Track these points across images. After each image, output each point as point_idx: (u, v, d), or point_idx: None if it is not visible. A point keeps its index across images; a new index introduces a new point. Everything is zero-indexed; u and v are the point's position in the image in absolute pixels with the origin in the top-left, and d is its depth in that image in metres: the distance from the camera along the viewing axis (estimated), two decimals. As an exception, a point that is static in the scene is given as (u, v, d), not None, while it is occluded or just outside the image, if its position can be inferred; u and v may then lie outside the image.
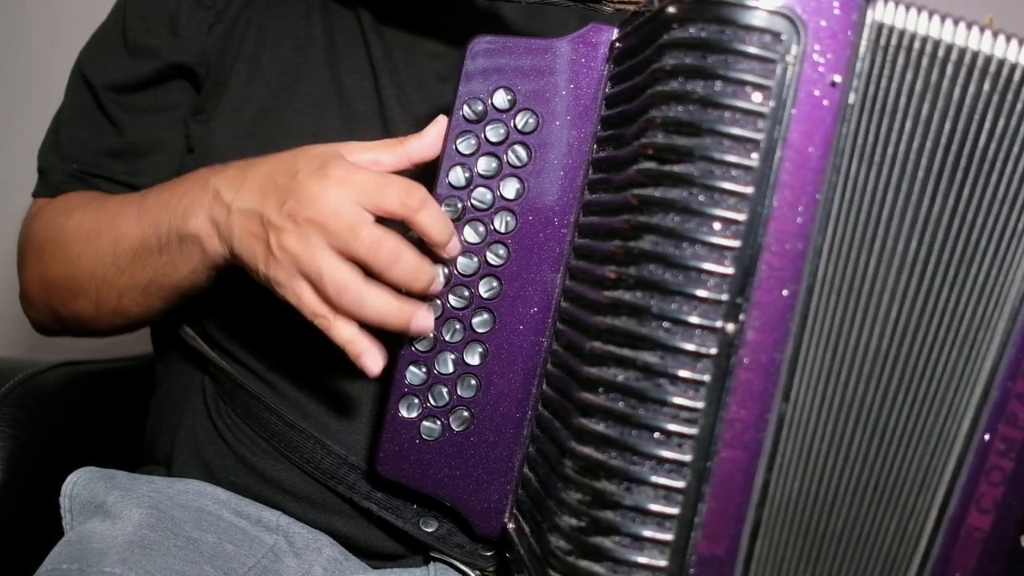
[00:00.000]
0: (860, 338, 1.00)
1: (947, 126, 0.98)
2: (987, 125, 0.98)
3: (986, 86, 0.98)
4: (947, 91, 0.97)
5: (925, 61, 0.97)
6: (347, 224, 1.08)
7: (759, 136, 0.92)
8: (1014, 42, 0.98)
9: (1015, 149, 0.99)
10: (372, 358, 1.12)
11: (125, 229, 1.31)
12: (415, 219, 1.10)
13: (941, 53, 0.97)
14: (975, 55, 0.98)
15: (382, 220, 1.11)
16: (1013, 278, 1.01)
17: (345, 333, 1.12)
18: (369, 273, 1.10)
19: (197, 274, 1.27)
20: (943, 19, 0.97)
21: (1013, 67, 0.98)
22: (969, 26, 0.98)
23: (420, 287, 1.11)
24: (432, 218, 1.10)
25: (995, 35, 0.98)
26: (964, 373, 1.02)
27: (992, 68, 0.98)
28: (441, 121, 1.17)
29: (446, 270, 1.16)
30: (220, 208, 1.18)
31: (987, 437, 1.02)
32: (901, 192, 0.98)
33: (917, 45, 0.97)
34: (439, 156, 1.16)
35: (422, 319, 1.13)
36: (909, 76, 0.97)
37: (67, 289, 1.42)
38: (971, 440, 1.02)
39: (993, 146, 0.99)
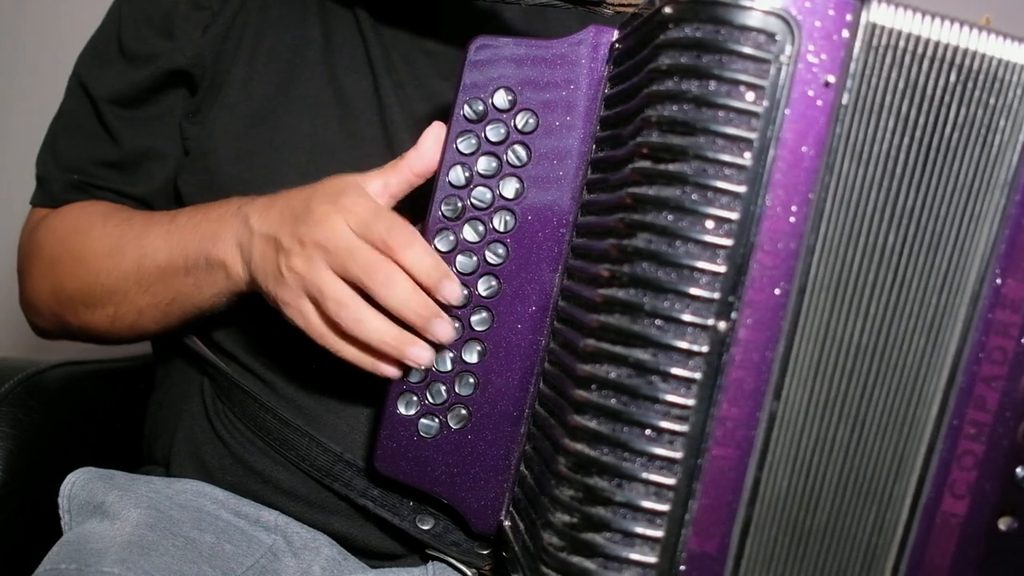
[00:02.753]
0: (845, 335, 1.00)
1: (921, 120, 0.98)
2: (951, 115, 0.98)
3: (952, 77, 0.98)
4: (923, 86, 0.98)
5: (907, 59, 0.97)
6: (346, 246, 1.11)
7: (752, 135, 0.92)
8: (975, 31, 0.98)
9: (973, 136, 0.99)
10: (386, 366, 1.15)
11: (151, 248, 1.33)
12: (396, 258, 1.11)
13: (920, 49, 0.97)
14: (945, 47, 0.98)
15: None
16: (972, 262, 1.00)
17: (352, 352, 1.15)
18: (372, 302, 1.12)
19: (220, 297, 1.30)
20: (937, 20, 0.97)
21: (973, 55, 0.98)
22: (957, 24, 0.98)
23: (415, 318, 1.12)
24: (415, 259, 1.11)
25: (962, 26, 0.98)
26: (932, 361, 1.02)
27: (958, 59, 0.98)
28: (435, 128, 1.18)
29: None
30: (246, 232, 1.21)
31: (956, 422, 1.01)
32: (883, 189, 0.98)
33: (902, 44, 0.97)
34: (440, 156, 1.17)
35: (419, 351, 1.13)
36: (894, 75, 0.97)
37: (83, 303, 1.43)
38: (940, 426, 1.02)
39: (956, 135, 0.99)
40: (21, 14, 2.71)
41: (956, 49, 0.98)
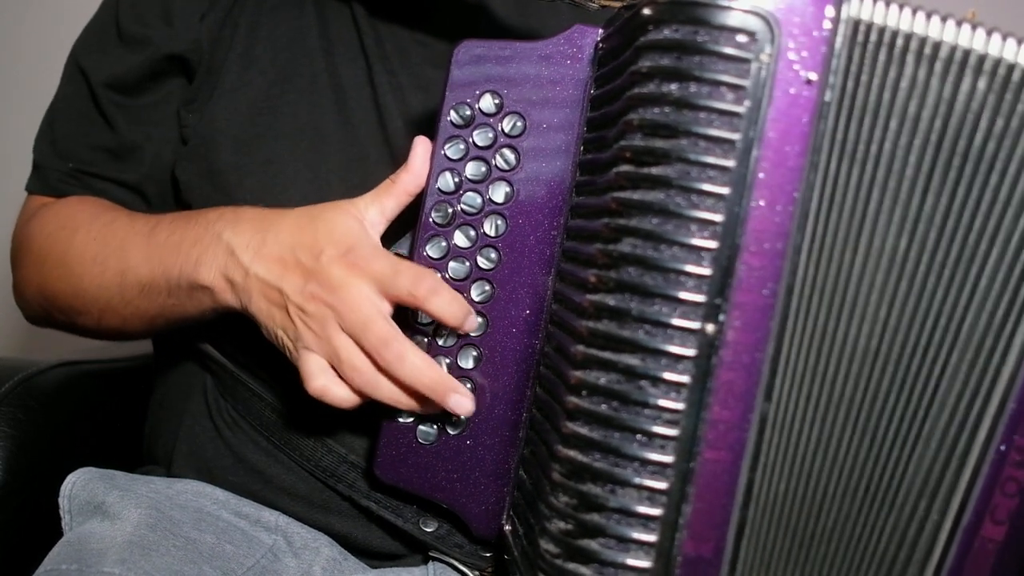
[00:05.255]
0: (847, 337, 0.99)
1: (937, 124, 0.97)
2: (983, 124, 0.97)
3: (980, 84, 0.97)
4: (936, 89, 0.97)
5: (910, 58, 0.96)
6: (361, 319, 1.12)
7: (735, 136, 0.92)
8: (1011, 41, 0.97)
9: (1018, 150, 0.98)
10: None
11: (133, 263, 1.33)
12: (425, 308, 1.13)
13: (928, 50, 0.96)
14: (967, 53, 0.97)
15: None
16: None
17: (343, 395, 1.16)
18: None
19: (204, 314, 1.30)
20: (925, 15, 0.96)
21: (1011, 67, 0.97)
22: (958, 23, 0.97)
23: (427, 392, 1.13)
24: (441, 304, 1.12)
25: (989, 33, 0.97)
26: (975, 381, 1.01)
27: (987, 66, 0.97)
28: (421, 143, 1.17)
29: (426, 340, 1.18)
30: (236, 268, 1.21)
31: (1003, 448, 1.01)
32: (888, 190, 0.97)
33: (900, 42, 0.96)
34: (430, 162, 1.16)
35: (430, 409, 1.16)
36: (893, 73, 0.96)
37: (69, 305, 1.44)
38: (987, 451, 1.02)
39: (991, 146, 0.98)
40: (23, 10, 2.70)
41: (983, 57, 0.97)
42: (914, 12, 0.96)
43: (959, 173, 0.98)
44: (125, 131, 1.48)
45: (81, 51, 1.52)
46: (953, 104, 0.97)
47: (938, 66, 0.97)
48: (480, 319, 1.17)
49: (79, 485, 1.38)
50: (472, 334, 1.17)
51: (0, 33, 2.70)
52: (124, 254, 1.34)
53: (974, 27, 0.97)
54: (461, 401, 1.14)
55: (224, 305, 1.24)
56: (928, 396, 1.02)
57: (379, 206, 1.19)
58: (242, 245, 1.21)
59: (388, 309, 1.14)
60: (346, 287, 1.13)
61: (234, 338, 1.38)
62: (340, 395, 1.15)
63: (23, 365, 1.64)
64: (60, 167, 1.50)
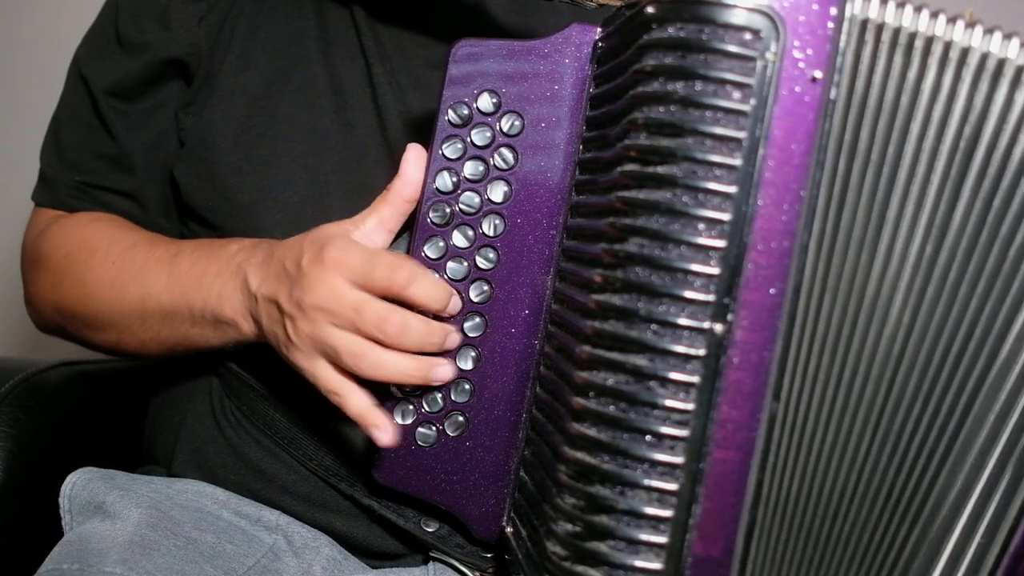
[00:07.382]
0: (864, 339, 0.99)
1: (967, 131, 0.97)
2: (1022, 136, 0.97)
3: (1018, 97, 0.97)
4: (966, 95, 0.97)
5: (932, 61, 0.96)
6: (351, 306, 1.12)
7: (741, 135, 0.91)
8: None
9: None
10: (383, 433, 1.15)
11: (154, 291, 1.34)
12: (405, 296, 1.12)
13: (954, 55, 0.96)
14: (1001, 62, 0.97)
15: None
16: None
17: (358, 406, 1.15)
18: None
19: (228, 344, 1.32)
20: (947, 19, 0.97)
21: None
22: (988, 30, 0.96)
23: (432, 349, 1.14)
24: (423, 290, 1.12)
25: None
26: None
27: None
28: (414, 150, 1.17)
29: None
30: (249, 296, 1.23)
31: None
32: (910, 193, 0.97)
33: (920, 44, 0.96)
34: (426, 162, 1.16)
35: (441, 371, 1.15)
36: (912, 75, 0.96)
37: (87, 325, 1.45)
38: None
39: None
40: (22, 12, 2.69)
41: (1021, 68, 0.96)
42: (934, 15, 0.96)
43: (995, 184, 0.97)
44: (124, 137, 1.48)
45: (82, 58, 1.52)
46: (987, 113, 0.97)
47: (966, 72, 0.96)
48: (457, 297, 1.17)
49: (79, 485, 1.38)
50: (471, 335, 1.17)
51: (5, 41, 2.69)
52: (144, 281, 1.35)
53: (1007, 36, 0.97)
54: (453, 336, 1.16)
55: (248, 335, 1.27)
56: (961, 409, 1.01)
57: (376, 216, 1.19)
58: (253, 273, 1.22)
59: (372, 298, 1.13)
60: (321, 283, 1.13)
61: (242, 345, 1.38)
62: (355, 401, 1.15)
63: (24, 365, 1.64)
64: (68, 180, 1.50)
